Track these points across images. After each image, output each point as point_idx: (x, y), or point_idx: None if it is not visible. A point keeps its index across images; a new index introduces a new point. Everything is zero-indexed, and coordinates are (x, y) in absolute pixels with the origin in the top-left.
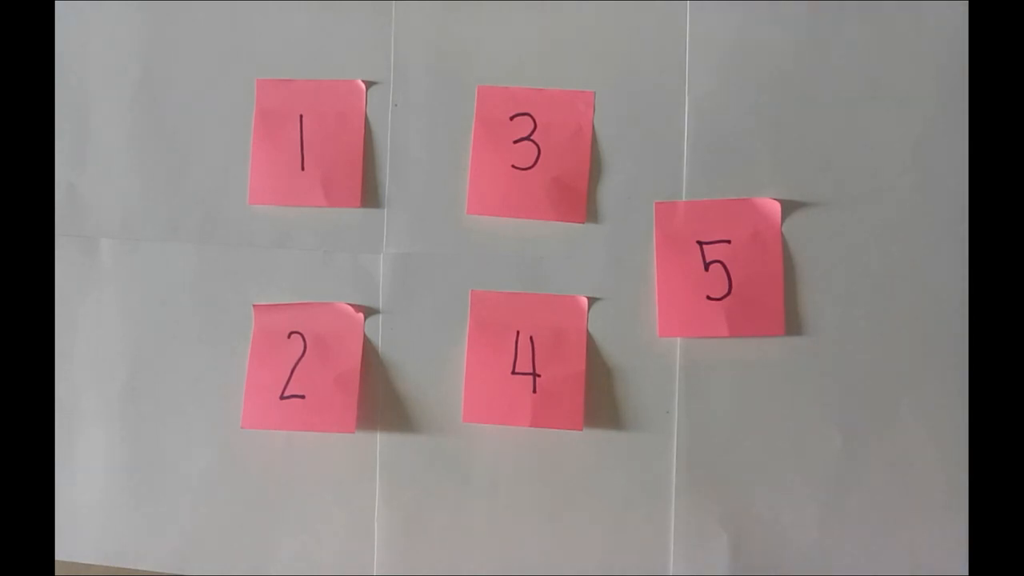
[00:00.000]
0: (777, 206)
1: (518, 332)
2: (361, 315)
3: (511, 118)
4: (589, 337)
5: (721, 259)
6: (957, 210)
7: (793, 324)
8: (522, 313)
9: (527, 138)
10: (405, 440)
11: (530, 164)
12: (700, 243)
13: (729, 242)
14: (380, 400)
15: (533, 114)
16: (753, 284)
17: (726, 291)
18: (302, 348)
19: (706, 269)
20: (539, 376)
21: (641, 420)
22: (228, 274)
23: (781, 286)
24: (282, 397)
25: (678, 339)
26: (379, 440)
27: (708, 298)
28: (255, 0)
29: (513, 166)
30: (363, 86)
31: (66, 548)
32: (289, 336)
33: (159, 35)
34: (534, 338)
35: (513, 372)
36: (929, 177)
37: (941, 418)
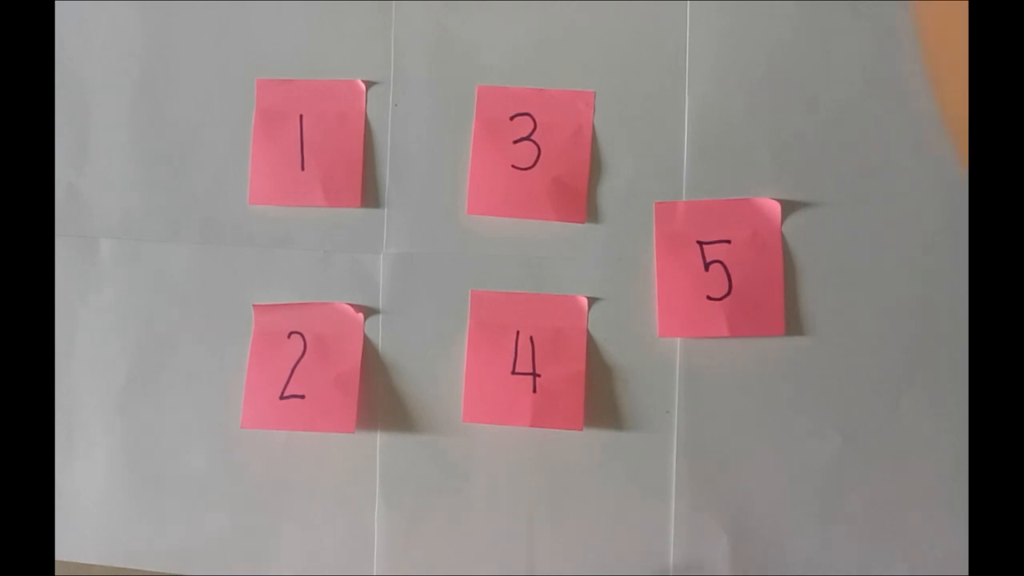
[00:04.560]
0: (777, 206)
1: (518, 332)
2: (361, 315)
3: (511, 118)
4: (589, 337)
5: (721, 259)
6: (957, 210)
7: (793, 324)
8: (522, 313)
9: (527, 138)
10: (405, 440)
11: (530, 164)
12: (700, 243)
13: (729, 242)
14: (380, 400)
15: (533, 114)
16: (753, 284)
17: (726, 291)
18: (302, 348)
19: (706, 269)
20: (539, 376)
21: (641, 420)
22: (228, 274)
23: (781, 286)
24: (282, 397)
25: (678, 339)
26: (379, 440)
27: (708, 298)
28: (255, 0)
29: (513, 166)
30: (363, 86)
31: (66, 548)
32: (289, 336)
33: (159, 35)
34: (534, 338)
35: (513, 372)
36: (929, 177)
37: (941, 418)
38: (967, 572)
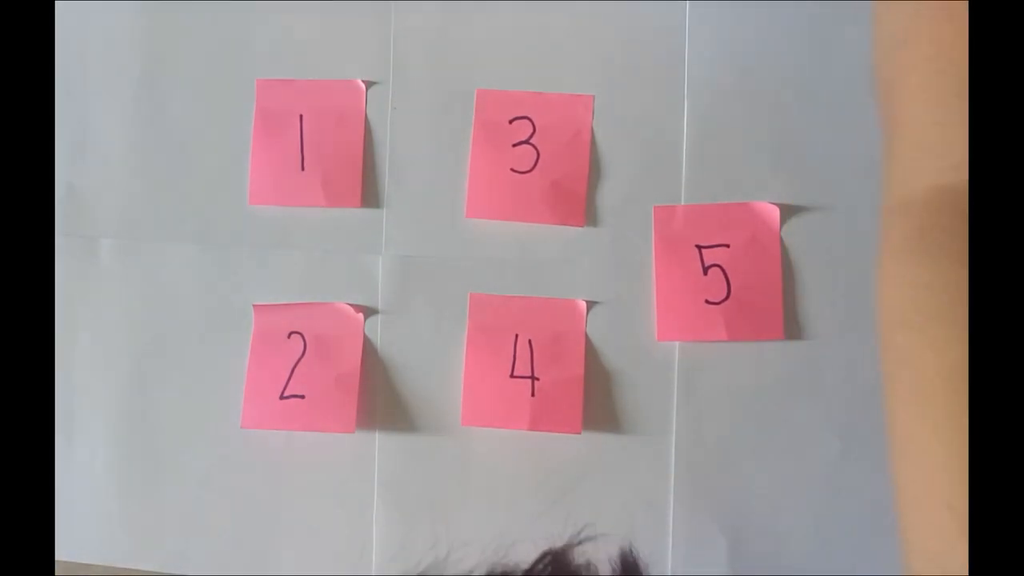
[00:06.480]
0: (776, 210)
1: (517, 335)
2: (361, 315)
3: (510, 121)
4: (588, 341)
5: (720, 263)
6: None
7: (792, 328)
8: (521, 316)
9: (526, 142)
10: (405, 441)
11: (529, 168)
12: (699, 247)
13: (728, 246)
14: (380, 400)
15: (532, 117)
16: (752, 288)
17: (725, 295)
18: (302, 348)
19: (705, 273)
20: (538, 380)
21: (639, 423)
22: (228, 274)
23: (780, 290)
24: (282, 397)
25: (677, 343)
26: (379, 440)
27: (707, 302)
28: (255, 0)
29: (512, 170)
30: (363, 86)
31: (66, 548)
32: (289, 336)
33: (159, 35)
34: (533, 341)
35: (512, 375)
36: None
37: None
38: (967, 572)
